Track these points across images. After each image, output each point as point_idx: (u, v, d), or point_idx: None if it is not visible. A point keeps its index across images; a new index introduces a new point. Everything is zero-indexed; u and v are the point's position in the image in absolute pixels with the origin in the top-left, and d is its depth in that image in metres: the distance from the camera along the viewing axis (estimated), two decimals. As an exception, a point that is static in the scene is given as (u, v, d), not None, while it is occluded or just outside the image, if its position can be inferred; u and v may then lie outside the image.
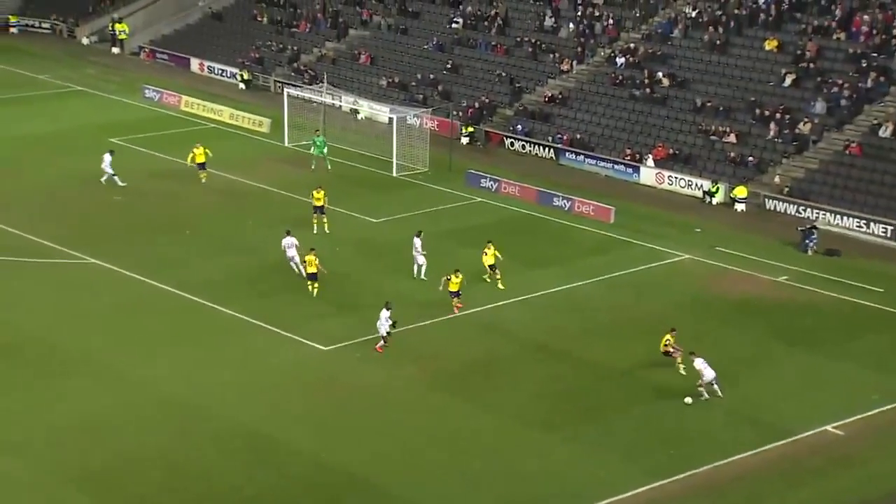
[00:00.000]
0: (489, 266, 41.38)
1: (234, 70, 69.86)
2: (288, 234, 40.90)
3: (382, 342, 35.68)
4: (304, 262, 39.56)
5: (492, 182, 52.12)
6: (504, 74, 63.10)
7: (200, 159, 50.32)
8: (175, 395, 32.77)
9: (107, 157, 50.13)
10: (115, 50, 76.58)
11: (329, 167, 53.25)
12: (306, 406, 32.59)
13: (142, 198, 49.13)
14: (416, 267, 41.39)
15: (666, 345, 34.86)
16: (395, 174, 53.96)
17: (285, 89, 60.26)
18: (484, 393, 33.64)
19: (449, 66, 64.91)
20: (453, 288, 38.45)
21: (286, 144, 57.70)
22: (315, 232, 44.62)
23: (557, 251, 45.20)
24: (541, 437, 31.50)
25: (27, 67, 71.10)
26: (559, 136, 57.88)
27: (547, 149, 57.68)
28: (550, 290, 41.16)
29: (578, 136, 57.64)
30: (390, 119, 55.93)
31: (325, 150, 53.54)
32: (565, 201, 50.00)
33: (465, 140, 59.19)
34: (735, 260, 44.47)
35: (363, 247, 44.57)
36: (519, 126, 59.30)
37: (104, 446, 30.00)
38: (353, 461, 29.85)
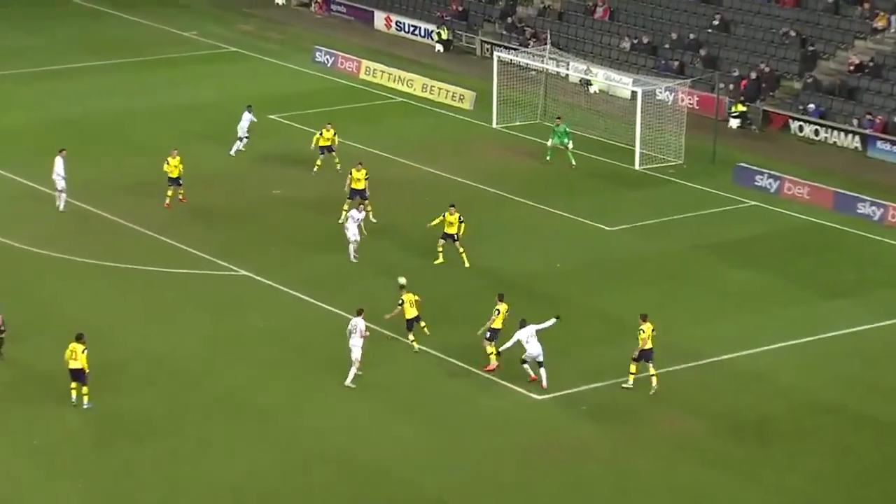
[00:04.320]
0: (447, 236, 43.17)
1: (430, 27, 71.38)
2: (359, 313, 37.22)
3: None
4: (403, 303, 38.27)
5: (771, 180, 51.77)
6: (793, 34, 62.38)
7: (325, 142, 51.40)
8: (346, 453, 33.57)
9: (246, 116, 52.47)
10: (280, 0, 79.41)
11: (574, 163, 53.56)
12: (516, 474, 32.87)
13: (307, 192, 50.60)
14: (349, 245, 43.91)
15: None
16: (637, 167, 54.18)
17: (495, 52, 61.19)
18: (751, 468, 33.37)
19: (716, 22, 64.58)
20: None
21: (494, 125, 58.51)
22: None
23: (861, 276, 44.79)
24: (833, 533, 31.20)
25: (171, 22, 74.54)
26: (868, 118, 56.90)
27: (851, 136, 56.86)
28: (849, 329, 40.64)
29: None
30: (634, 93, 56.12)
31: (569, 142, 53.86)
32: (875, 208, 49.31)
33: (734, 123, 58.94)
34: None
35: (591, 263, 44.79)
36: (811, 104, 58.63)
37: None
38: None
